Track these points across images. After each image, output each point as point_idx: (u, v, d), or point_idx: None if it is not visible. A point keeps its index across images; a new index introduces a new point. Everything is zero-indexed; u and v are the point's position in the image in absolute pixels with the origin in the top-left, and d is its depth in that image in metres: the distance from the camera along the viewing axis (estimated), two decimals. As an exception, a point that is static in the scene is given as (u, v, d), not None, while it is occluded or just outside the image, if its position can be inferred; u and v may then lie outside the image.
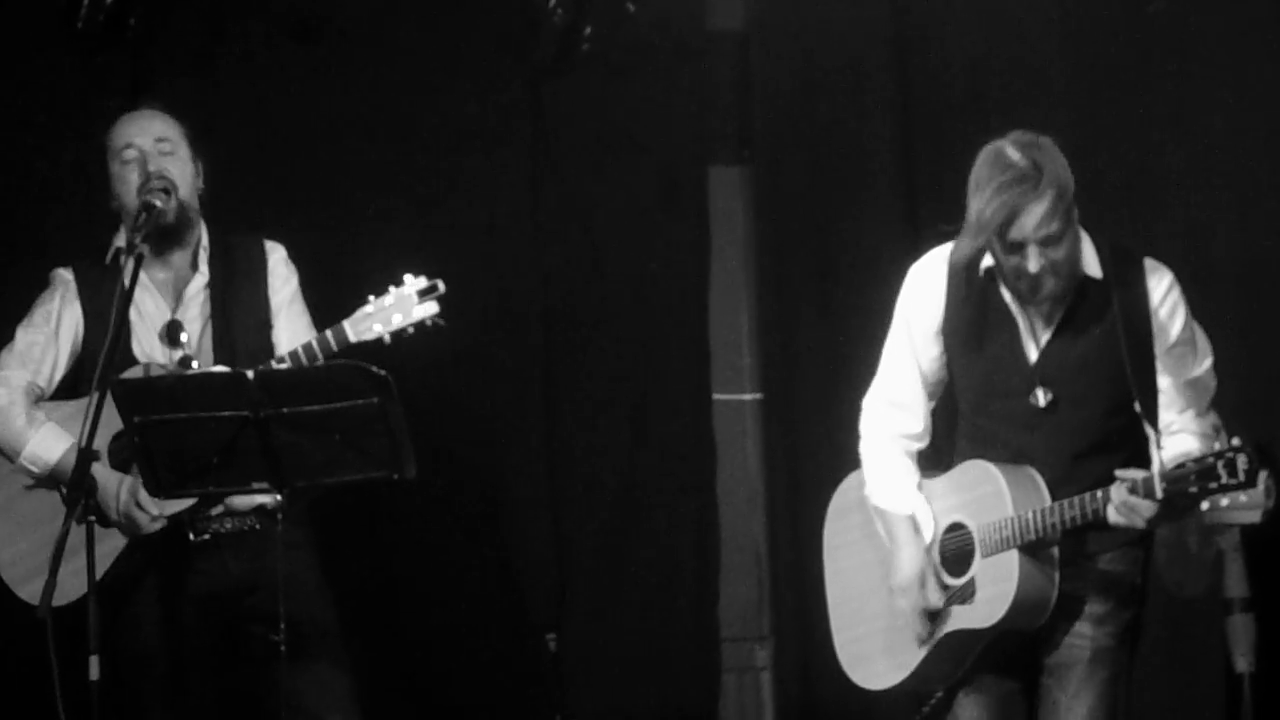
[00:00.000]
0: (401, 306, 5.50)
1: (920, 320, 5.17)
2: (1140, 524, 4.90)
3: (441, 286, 5.50)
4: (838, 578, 5.39)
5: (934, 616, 5.14)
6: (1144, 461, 4.94)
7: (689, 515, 7.17)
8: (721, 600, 7.19)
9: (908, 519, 5.16)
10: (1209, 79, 6.66)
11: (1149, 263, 5.05)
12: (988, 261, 5.05)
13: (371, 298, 5.51)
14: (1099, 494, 4.93)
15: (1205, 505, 4.90)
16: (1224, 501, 4.86)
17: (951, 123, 6.82)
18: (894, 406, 5.22)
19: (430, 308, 5.50)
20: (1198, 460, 4.81)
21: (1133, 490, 4.86)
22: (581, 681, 7.05)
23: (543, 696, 7.03)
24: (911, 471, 5.21)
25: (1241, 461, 4.77)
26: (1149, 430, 4.95)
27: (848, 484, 5.39)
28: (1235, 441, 4.81)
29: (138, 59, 6.65)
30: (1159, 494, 4.84)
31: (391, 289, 5.51)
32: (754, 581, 7.31)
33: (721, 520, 7.21)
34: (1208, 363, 5.10)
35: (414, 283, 5.51)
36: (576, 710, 7.04)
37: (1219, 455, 4.80)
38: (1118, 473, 4.92)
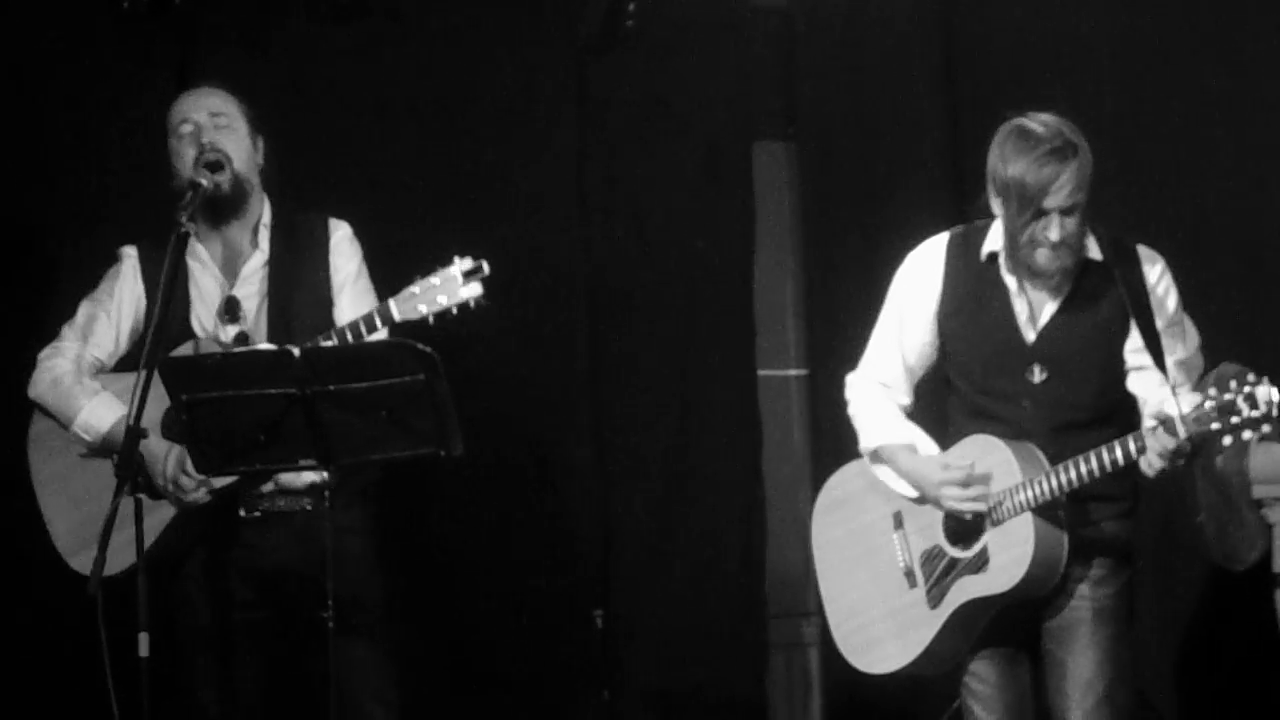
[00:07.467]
0: (447, 287, 5.48)
1: (917, 304, 5.33)
2: (1159, 465, 4.99)
3: (487, 268, 5.48)
4: (830, 572, 5.52)
5: (947, 572, 5.25)
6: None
7: (735, 491, 7.16)
8: (768, 576, 7.19)
9: (908, 446, 5.31)
10: (1259, 55, 6.61)
11: (1142, 249, 5.23)
12: (991, 245, 5.23)
13: (418, 277, 5.50)
14: (1116, 445, 5.05)
15: (1227, 441, 4.95)
16: (1246, 435, 4.93)
17: (998, 96, 6.75)
18: (880, 385, 5.40)
19: (474, 289, 5.47)
20: (1215, 397, 4.93)
21: (1156, 430, 4.96)
22: (628, 658, 7.06)
23: (590, 673, 7.03)
24: (900, 412, 5.36)
25: (1262, 393, 4.89)
26: (1164, 378, 5.08)
27: (833, 482, 5.56)
28: (1251, 377, 4.93)
29: (184, 39, 6.67)
30: (1181, 434, 4.95)
31: (438, 269, 5.49)
32: (800, 557, 7.28)
33: (767, 496, 7.21)
34: (1195, 344, 5.26)
35: (460, 264, 5.48)
36: (623, 686, 7.05)
37: (1238, 390, 4.90)
38: (1147, 420, 5.03)
